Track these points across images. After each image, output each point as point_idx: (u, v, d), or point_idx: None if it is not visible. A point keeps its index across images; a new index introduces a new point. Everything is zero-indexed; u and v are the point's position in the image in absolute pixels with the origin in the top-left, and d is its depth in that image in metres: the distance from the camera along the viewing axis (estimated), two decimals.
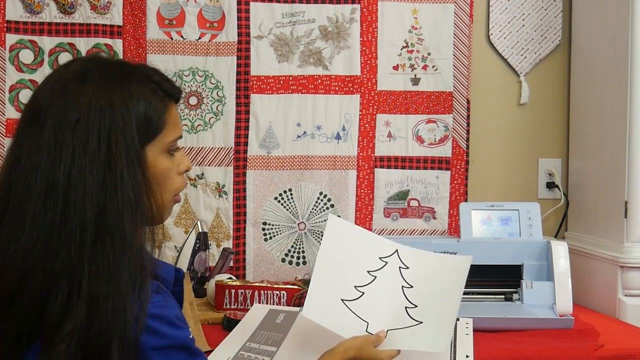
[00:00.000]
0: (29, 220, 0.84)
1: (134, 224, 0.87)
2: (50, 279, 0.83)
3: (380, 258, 1.22)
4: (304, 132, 1.91)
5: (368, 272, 1.20)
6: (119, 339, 0.82)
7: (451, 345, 1.24)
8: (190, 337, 0.92)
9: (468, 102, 1.95)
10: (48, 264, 0.84)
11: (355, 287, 1.18)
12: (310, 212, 1.91)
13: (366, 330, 1.14)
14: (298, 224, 1.91)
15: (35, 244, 0.84)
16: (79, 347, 0.82)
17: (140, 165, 0.89)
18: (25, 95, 1.84)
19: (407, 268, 1.21)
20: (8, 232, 0.85)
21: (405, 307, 1.17)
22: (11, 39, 1.83)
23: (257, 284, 1.62)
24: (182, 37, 1.88)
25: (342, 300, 1.17)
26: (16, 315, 0.84)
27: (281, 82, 1.91)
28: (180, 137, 1.00)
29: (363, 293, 1.18)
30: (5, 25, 1.83)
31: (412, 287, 1.19)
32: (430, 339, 1.12)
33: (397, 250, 1.23)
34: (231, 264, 1.81)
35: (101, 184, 0.86)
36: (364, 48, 1.93)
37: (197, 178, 1.88)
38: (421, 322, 1.14)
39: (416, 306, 1.17)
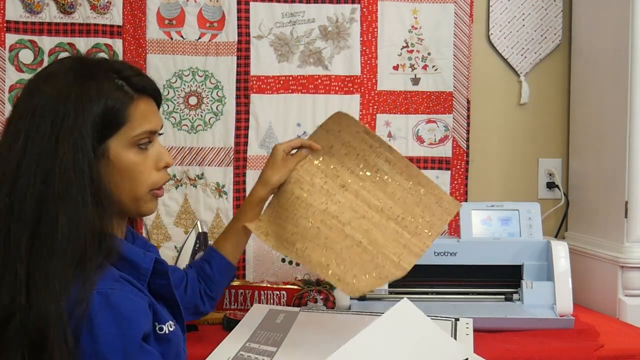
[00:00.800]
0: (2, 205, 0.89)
1: (76, 216, 0.89)
2: (5, 269, 0.88)
3: None
4: (304, 132, 1.91)
5: None
6: (55, 323, 0.85)
7: None
8: (140, 337, 0.92)
9: (468, 102, 1.95)
10: (3, 256, 0.88)
11: None
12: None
13: None
14: None
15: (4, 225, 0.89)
16: (22, 332, 0.85)
17: (89, 159, 0.92)
18: None
19: None
20: None
21: None
22: (11, 39, 1.83)
23: (257, 284, 1.62)
24: (182, 37, 1.88)
25: None
26: None
27: (281, 82, 1.91)
28: (153, 131, 1.01)
29: None
30: (5, 25, 1.83)
31: None
32: None
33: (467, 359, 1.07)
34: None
35: (44, 175, 0.90)
36: (364, 48, 1.93)
37: (197, 178, 1.88)
38: None
39: None
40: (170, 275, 1.13)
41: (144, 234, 1.84)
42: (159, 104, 1.07)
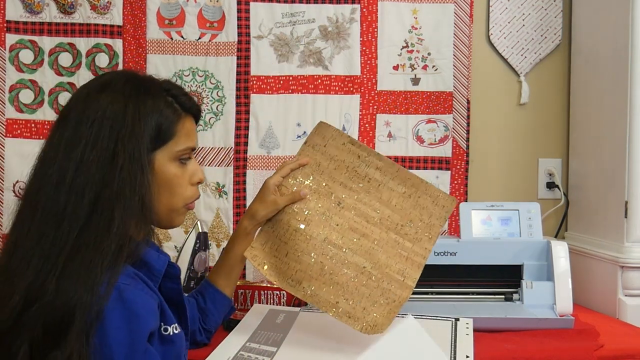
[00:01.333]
0: (41, 206, 0.95)
1: (125, 217, 0.95)
2: (42, 257, 0.92)
3: None
4: (304, 132, 1.91)
5: None
6: (83, 310, 0.88)
7: (451, 345, 1.24)
8: (147, 334, 0.94)
9: (468, 102, 1.95)
10: (44, 244, 0.93)
11: None
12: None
13: None
14: None
15: (42, 227, 0.94)
16: (45, 313, 0.88)
17: (143, 166, 0.98)
18: (25, 95, 1.84)
19: None
20: (23, 216, 0.97)
21: None
22: (11, 39, 1.83)
23: (257, 284, 1.62)
24: (182, 37, 1.88)
25: None
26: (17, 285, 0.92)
27: (281, 82, 1.91)
28: (193, 148, 1.09)
29: None
30: (5, 25, 1.83)
31: None
32: None
33: None
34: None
35: (102, 177, 0.96)
36: (364, 48, 1.93)
37: None
38: None
39: None
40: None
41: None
42: (197, 123, 1.14)
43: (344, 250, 1.25)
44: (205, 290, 1.33)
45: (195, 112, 1.11)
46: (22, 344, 0.88)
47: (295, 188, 1.30)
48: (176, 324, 1.04)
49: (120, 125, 0.98)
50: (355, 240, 1.27)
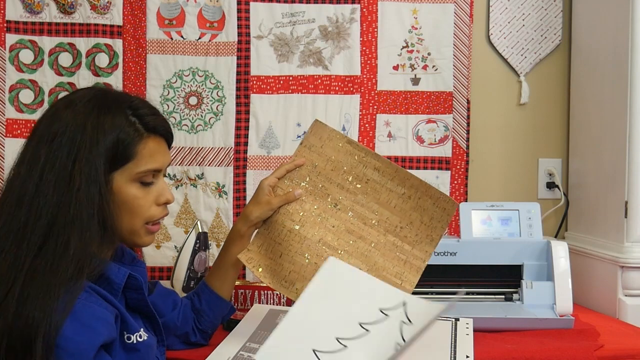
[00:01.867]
0: (2, 221, 0.96)
1: (83, 240, 0.95)
2: (1, 278, 0.92)
3: (381, 310, 1.03)
4: (304, 132, 1.91)
5: (360, 324, 1.01)
6: (43, 335, 0.88)
7: (451, 345, 1.24)
8: (98, 345, 0.94)
9: (468, 102, 1.95)
10: (4, 264, 0.93)
11: (337, 338, 0.99)
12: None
13: None
14: None
15: (3, 244, 0.94)
16: (4, 336, 0.89)
17: (101, 187, 0.98)
18: (25, 95, 1.84)
19: (411, 323, 1.01)
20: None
21: None
22: (11, 39, 1.83)
23: (257, 284, 1.62)
24: (182, 37, 1.88)
25: (313, 350, 0.98)
26: None
27: (281, 82, 1.91)
28: (157, 169, 1.06)
29: (345, 347, 0.99)
30: (5, 25, 1.83)
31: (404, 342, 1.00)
32: None
33: (404, 304, 1.03)
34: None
35: (59, 199, 0.96)
36: (364, 48, 1.93)
37: (197, 178, 1.88)
38: None
39: None
40: (164, 297, 1.24)
41: None
42: (169, 144, 1.12)
43: (340, 252, 1.24)
44: (201, 292, 1.33)
45: (161, 132, 1.08)
46: None
47: (291, 190, 1.30)
48: (141, 332, 1.04)
49: (78, 146, 0.97)
50: (351, 242, 1.26)
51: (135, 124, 1.03)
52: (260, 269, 1.25)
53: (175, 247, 1.85)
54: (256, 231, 1.31)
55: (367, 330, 1.00)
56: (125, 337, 1.02)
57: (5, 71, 1.83)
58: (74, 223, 0.95)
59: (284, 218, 1.27)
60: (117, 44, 1.85)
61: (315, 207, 1.28)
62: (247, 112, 1.90)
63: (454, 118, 1.95)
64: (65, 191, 0.96)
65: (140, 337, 1.04)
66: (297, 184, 1.30)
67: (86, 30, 1.85)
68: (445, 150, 1.95)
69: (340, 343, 0.99)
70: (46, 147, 0.98)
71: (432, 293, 1.59)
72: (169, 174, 1.86)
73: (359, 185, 1.31)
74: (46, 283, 0.91)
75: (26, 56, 1.84)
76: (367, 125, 1.93)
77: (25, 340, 0.88)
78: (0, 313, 0.90)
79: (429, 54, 1.94)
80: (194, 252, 1.69)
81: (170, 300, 1.29)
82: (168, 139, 1.11)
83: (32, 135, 1.01)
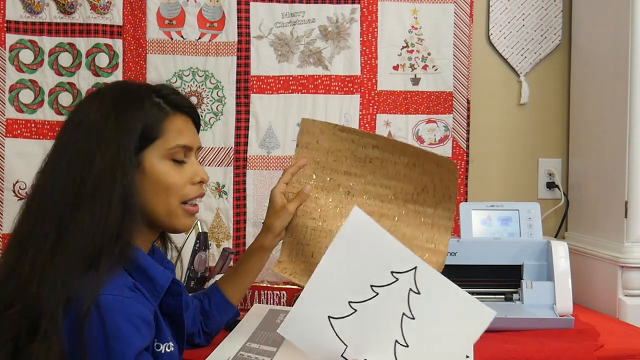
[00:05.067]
0: (34, 208, 0.98)
1: (103, 219, 0.95)
2: (25, 258, 0.94)
3: (392, 272, 0.99)
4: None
5: (371, 286, 0.99)
6: (51, 315, 0.89)
7: None
8: (142, 348, 0.93)
9: (468, 102, 1.95)
10: (28, 245, 0.94)
11: (349, 302, 0.99)
12: None
13: (342, 355, 0.99)
14: None
15: (27, 228, 0.96)
16: (26, 314, 0.90)
17: (124, 167, 0.98)
18: (25, 95, 1.84)
19: (419, 294, 0.99)
20: (19, 217, 1.00)
21: (395, 341, 0.98)
22: (11, 39, 1.83)
23: (257, 284, 1.62)
24: (182, 37, 1.88)
25: (328, 317, 0.99)
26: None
27: (281, 82, 1.91)
28: (188, 146, 1.07)
29: (355, 310, 0.99)
30: (5, 25, 1.83)
31: (413, 319, 0.98)
32: None
33: (415, 268, 0.99)
34: (231, 264, 1.81)
35: (81, 179, 0.96)
36: (364, 48, 1.93)
37: None
38: None
39: (407, 346, 0.98)
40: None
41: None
42: (197, 126, 1.13)
43: None
44: (212, 294, 1.33)
45: (187, 110, 1.09)
46: (6, 340, 0.90)
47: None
48: (170, 342, 1.03)
49: (102, 129, 0.99)
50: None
51: (159, 104, 1.05)
52: (297, 276, 1.25)
53: (176, 247, 1.85)
54: (281, 242, 1.31)
55: (376, 293, 0.99)
56: (155, 344, 1.01)
57: (5, 71, 1.83)
58: (95, 200, 0.95)
59: (304, 219, 1.27)
60: (117, 44, 1.85)
61: (330, 200, 1.28)
62: (247, 112, 1.90)
63: (454, 118, 1.95)
64: (88, 171, 0.96)
65: (169, 347, 1.03)
66: (305, 184, 1.31)
67: (86, 30, 1.85)
68: (445, 150, 1.95)
69: (351, 307, 0.99)
70: (71, 135, 1.00)
71: None
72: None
73: (364, 167, 1.31)
74: (62, 262, 0.92)
75: (26, 56, 1.84)
76: (367, 125, 1.93)
77: (47, 313, 0.89)
78: (21, 294, 0.91)
79: (429, 54, 1.94)
80: (194, 252, 1.69)
81: (184, 302, 1.29)
82: (195, 119, 1.11)
83: (62, 128, 1.03)
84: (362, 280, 0.99)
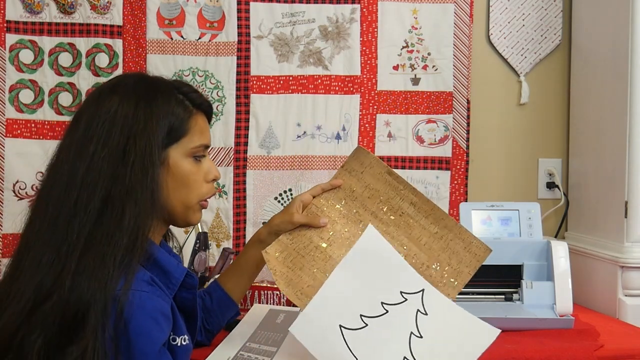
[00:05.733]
0: (52, 204, 0.96)
1: (136, 212, 0.95)
2: (54, 254, 0.93)
3: (401, 292, 1.06)
4: (304, 132, 1.91)
5: (382, 303, 1.05)
6: (96, 306, 0.89)
7: None
8: (162, 342, 0.94)
9: (468, 102, 1.95)
10: (56, 242, 0.94)
11: (360, 315, 1.04)
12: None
13: None
14: None
15: (53, 225, 0.95)
16: (59, 309, 0.89)
17: (154, 163, 0.99)
18: (25, 95, 1.84)
19: (426, 315, 1.05)
20: (34, 215, 0.98)
21: (404, 358, 1.02)
22: (11, 39, 1.83)
23: (257, 284, 1.62)
24: (182, 37, 1.88)
25: (340, 326, 1.02)
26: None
27: (281, 82, 1.91)
28: (207, 146, 1.10)
29: (366, 325, 1.03)
30: (5, 25, 1.83)
31: (421, 337, 1.03)
32: None
33: (423, 290, 1.07)
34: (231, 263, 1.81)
35: (113, 173, 0.96)
36: (364, 48, 1.93)
37: None
38: None
39: None
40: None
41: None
42: (209, 121, 1.15)
43: None
44: (213, 291, 1.33)
45: (206, 109, 1.12)
46: (37, 339, 0.89)
47: (325, 208, 1.28)
48: (185, 336, 1.04)
49: (132, 123, 0.99)
50: None
51: (183, 102, 1.06)
52: (276, 273, 1.24)
53: (176, 247, 1.85)
54: (278, 238, 1.30)
55: (386, 310, 1.03)
56: (171, 337, 1.01)
57: (5, 71, 1.83)
58: (129, 195, 0.96)
59: (312, 233, 1.24)
60: (117, 44, 1.85)
61: (346, 229, 1.26)
62: (247, 112, 1.90)
63: (454, 118, 1.95)
64: (119, 166, 0.97)
65: (185, 340, 1.03)
66: (332, 205, 1.29)
67: (86, 30, 1.85)
68: (445, 150, 1.95)
69: (363, 320, 1.02)
70: (97, 129, 0.99)
71: None
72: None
73: (392, 217, 1.27)
74: (102, 254, 0.92)
75: (26, 56, 1.84)
76: (367, 125, 1.93)
77: (79, 311, 0.89)
78: (55, 289, 0.90)
79: (429, 54, 1.95)
80: (194, 252, 1.69)
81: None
82: (209, 115, 1.14)
83: (76, 121, 1.02)
84: (372, 296, 1.03)
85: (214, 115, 1.88)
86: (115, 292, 0.90)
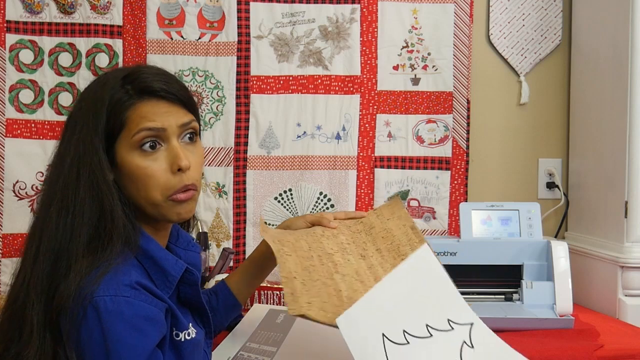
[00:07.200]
0: (57, 200, 0.96)
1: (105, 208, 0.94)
2: (53, 255, 0.94)
3: (449, 320, 1.03)
4: (304, 132, 1.91)
5: (427, 325, 1.00)
6: (69, 308, 0.89)
7: None
8: (150, 347, 0.92)
9: (468, 102, 1.95)
10: (53, 241, 0.95)
11: (404, 331, 0.99)
12: (310, 212, 1.91)
13: None
14: None
15: (51, 226, 0.95)
16: (45, 308, 0.91)
17: (98, 165, 0.95)
18: (25, 95, 1.84)
19: (472, 347, 1.01)
20: (38, 211, 0.99)
21: None
22: (11, 39, 1.83)
23: None
24: (182, 37, 1.88)
25: (382, 334, 0.97)
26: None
27: (281, 82, 1.91)
28: (153, 129, 0.97)
29: (408, 342, 0.99)
30: (5, 25, 1.83)
31: None
32: None
33: (472, 324, 1.03)
34: (231, 263, 1.81)
35: (65, 178, 0.97)
36: (364, 48, 1.93)
37: None
38: None
39: None
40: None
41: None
42: (187, 106, 1.04)
43: (337, 271, 1.18)
44: (219, 291, 1.30)
45: (158, 93, 0.98)
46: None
47: (340, 227, 1.27)
48: (191, 329, 1.01)
49: (73, 126, 0.99)
50: (352, 277, 1.17)
51: (128, 91, 0.97)
52: (267, 233, 1.22)
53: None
54: (281, 229, 1.28)
55: (431, 334, 1.00)
56: (174, 333, 0.99)
57: (5, 71, 1.83)
58: (68, 205, 0.95)
59: (324, 245, 1.21)
60: (117, 44, 1.85)
61: (348, 243, 1.24)
62: (247, 112, 1.90)
63: (454, 118, 1.95)
64: (59, 172, 0.97)
65: (189, 334, 1.00)
66: (348, 227, 1.29)
67: (86, 30, 1.85)
68: (445, 150, 1.95)
69: (406, 338, 0.99)
70: (67, 126, 1.01)
71: None
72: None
73: (396, 260, 1.24)
74: (71, 248, 0.93)
75: (26, 56, 1.84)
76: (367, 125, 1.93)
77: (59, 309, 0.90)
78: (57, 289, 0.92)
79: (429, 54, 1.94)
80: None
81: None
82: (171, 99, 1.00)
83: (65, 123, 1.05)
84: (419, 316, 1.00)
85: (214, 115, 1.89)
86: (93, 296, 0.88)
